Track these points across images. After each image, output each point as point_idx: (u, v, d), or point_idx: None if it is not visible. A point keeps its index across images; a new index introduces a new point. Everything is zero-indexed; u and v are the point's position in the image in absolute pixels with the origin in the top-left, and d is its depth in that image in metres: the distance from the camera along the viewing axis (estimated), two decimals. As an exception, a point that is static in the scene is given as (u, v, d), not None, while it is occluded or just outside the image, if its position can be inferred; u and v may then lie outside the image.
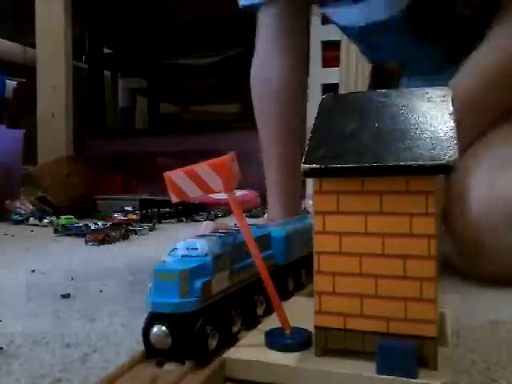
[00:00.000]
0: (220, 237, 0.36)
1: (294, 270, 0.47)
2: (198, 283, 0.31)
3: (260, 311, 0.39)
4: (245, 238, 0.33)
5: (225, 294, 0.34)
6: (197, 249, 0.33)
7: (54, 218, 1.31)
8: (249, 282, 0.38)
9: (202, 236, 0.36)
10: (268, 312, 0.39)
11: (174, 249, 0.34)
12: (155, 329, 0.31)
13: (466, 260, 0.64)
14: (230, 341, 0.34)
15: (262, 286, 0.37)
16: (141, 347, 0.32)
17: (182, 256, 0.33)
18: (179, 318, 0.31)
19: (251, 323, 0.37)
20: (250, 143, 1.80)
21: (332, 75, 1.67)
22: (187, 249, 0.34)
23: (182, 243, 0.34)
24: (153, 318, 0.31)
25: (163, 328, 0.31)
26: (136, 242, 1.03)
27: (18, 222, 1.35)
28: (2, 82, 2.38)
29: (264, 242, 0.42)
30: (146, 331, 0.31)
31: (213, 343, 0.32)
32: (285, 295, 0.43)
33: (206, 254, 0.33)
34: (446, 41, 0.77)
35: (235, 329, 0.35)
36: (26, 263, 0.78)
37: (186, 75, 2.46)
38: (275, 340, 0.33)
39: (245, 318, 0.37)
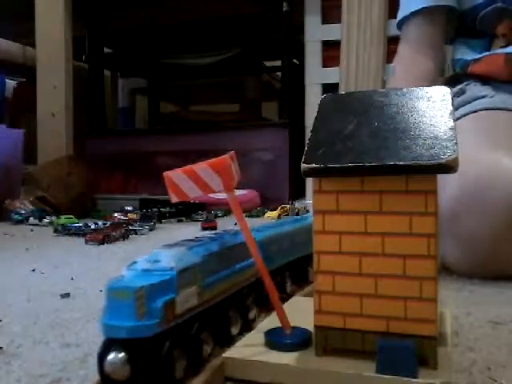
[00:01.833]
0: (190, 247, 0.32)
1: (278, 276, 0.44)
2: (159, 302, 0.27)
3: (235, 330, 0.35)
4: (245, 239, 0.33)
5: (194, 313, 0.30)
6: (160, 261, 0.29)
7: (53, 218, 1.31)
8: (223, 298, 0.34)
9: (170, 246, 0.32)
10: (245, 329, 0.36)
11: (134, 262, 0.30)
12: (111, 356, 0.27)
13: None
14: (200, 365, 0.31)
15: (238, 300, 0.35)
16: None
17: (143, 270, 0.29)
18: (138, 343, 0.26)
19: (225, 343, 0.34)
20: (249, 143, 1.81)
21: (332, 75, 1.67)
22: (149, 262, 0.29)
23: (144, 256, 0.30)
24: (109, 344, 0.27)
25: (120, 355, 0.26)
26: (136, 242, 1.03)
27: (17, 222, 1.35)
28: (2, 81, 2.38)
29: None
30: (101, 359, 0.27)
31: (180, 370, 0.28)
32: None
33: (171, 268, 0.29)
34: None
35: (207, 351, 0.31)
36: (26, 263, 0.78)
37: (185, 75, 2.45)
38: (275, 340, 0.33)
39: (218, 339, 0.33)
